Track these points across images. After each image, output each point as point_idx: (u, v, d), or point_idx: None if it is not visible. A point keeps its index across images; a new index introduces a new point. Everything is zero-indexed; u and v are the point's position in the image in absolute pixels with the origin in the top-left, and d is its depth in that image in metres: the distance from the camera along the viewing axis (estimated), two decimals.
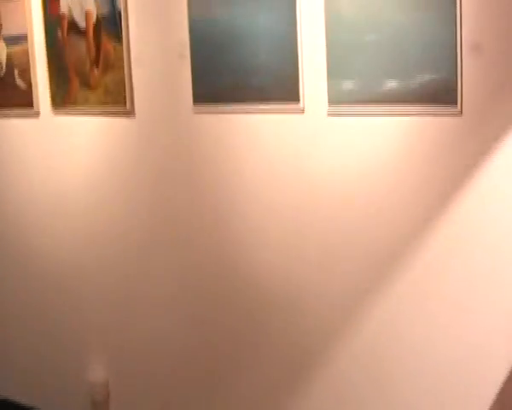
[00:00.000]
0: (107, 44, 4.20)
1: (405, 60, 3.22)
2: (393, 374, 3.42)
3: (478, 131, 3.15)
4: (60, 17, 4.44)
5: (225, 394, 4.05)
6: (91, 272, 4.63)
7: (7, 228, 5.11)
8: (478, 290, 3.18)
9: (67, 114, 4.53)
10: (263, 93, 3.63)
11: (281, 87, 3.57)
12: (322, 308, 3.65)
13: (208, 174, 3.94)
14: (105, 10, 4.18)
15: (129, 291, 4.46)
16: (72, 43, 4.39)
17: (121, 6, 4.11)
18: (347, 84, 3.37)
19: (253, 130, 3.73)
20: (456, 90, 3.14)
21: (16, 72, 4.75)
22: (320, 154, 3.53)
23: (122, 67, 4.14)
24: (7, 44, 4.79)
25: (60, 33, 4.45)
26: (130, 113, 4.18)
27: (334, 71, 3.39)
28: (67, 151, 4.59)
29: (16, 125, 4.85)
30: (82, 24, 4.31)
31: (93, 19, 4.25)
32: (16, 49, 4.74)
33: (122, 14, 4.11)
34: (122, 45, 4.12)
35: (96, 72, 4.27)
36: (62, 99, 4.51)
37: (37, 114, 4.71)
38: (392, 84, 3.27)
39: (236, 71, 3.70)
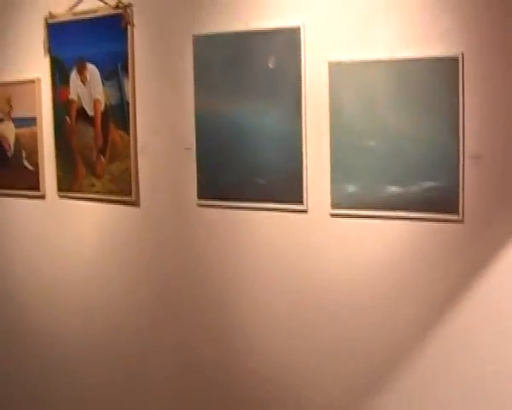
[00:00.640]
0: (115, 133, 4.25)
1: (407, 167, 3.27)
2: None
3: (479, 238, 3.20)
4: (69, 103, 4.49)
5: None
6: (90, 357, 4.62)
7: (8, 305, 5.11)
8: (476, 395, 3.19)
9: (73, 198, 4.55)
10: (267, 192, 3.68)
11: (285, 187, 3.62)
12: (321, 403, 3.64)
13: (210, 268, 3.97)
14: (113, 100, 4.24)
15: (126, 375, 4.44)
16: (79, 129, 4.45)
17: (129, 97, 4.16)
18: (350, 188, 3.42)
19: (256, 227, 3.77)
20: (457, 198, 3.19)
21: (24, 153, 4.80)
22: (322, 254, 3.57)
23: (128, 157, 4.19)
24: (16, 126, 4.84)
25: (68, 119, 4.50)
26: (134, 202, 4.22)
27: (338, 174, 3.45)
28: (71, 235, 4.62)
29: (22, 206, 4.88)
30: (90, 112, 4.36)
31: (101, 108, 4.31)
32: (25, 131, 4.80)
33: (130, 104, 4.15)
34: (129, 135, 4.18)
35: (102, 160, 4.32)
36: (68, 184, 4.55)
37: (43, 197, 4.73)
38: (393, 190, 3.31)
39: (241, 168, 3.75)
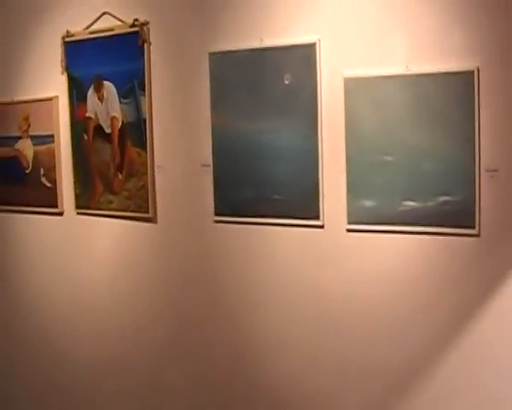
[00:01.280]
0: (132, 151, 4.28)
1: (423, 181, 3.28)
2: None
3: (495, 252, 3.20)
4: (86, 120, 4.53)
5: None
6: (106, 370, 4.64)
7: (25, 321, 5.13)
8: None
9: (90, 215, 4.58)
10: (283, 208, 3.69)
11: (301, 203, 3.63)
12: None
13: (227, 283, 3.98)
14: (130, 117, 4.27)
15: (143, 389, 4.45)
16: (97, 146, 4.48)
17: (146, 114, 4.18)
18: (366, 203, 3.43)
19: (272, 242, 3.78)
20: (473, 212, 3.19)
21: (42, 171, 4.83)
22: (338, 269, 3.58)
23: (145, 174, 4.21)
24: (34, 143, 4.88)
25: (85, 136, 4.53)
26: (152, 219, 4.24)
27: (354, 189, 3.46)
28: (89, 251, 4.64)
29: (40, 223, 4.91)
30: (107, 129, 4.39)
31: (118, 125, 4.34)
32: (43, 148, 4.83)
33: (147, 121, 4.18)
34: (146, 152, 4.20)
35: (119, 177, 4.35)
36: (86, 200, 4.58)
37: (60, 214, 4.76)
38: (410, 205, 3.31)
39: (257, 184, 3.77)
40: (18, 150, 4.97)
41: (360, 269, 3.50)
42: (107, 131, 4.40)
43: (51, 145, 4.78)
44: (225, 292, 3.99)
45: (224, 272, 3.98)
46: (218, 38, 3.87)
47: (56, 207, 4.77)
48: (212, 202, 3.95)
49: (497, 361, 3.18)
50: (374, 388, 3.51)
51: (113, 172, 4.38)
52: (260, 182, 3.75)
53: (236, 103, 3.82)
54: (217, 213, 3.94)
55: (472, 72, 3.14)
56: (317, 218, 3.58)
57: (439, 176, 3.25)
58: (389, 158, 3.35)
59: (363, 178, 3.43)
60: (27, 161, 4.93)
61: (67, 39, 4.56)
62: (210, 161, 3.94)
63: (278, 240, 3.75)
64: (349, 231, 3.50)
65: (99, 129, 4.47)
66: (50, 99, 4.72)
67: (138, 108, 4.21)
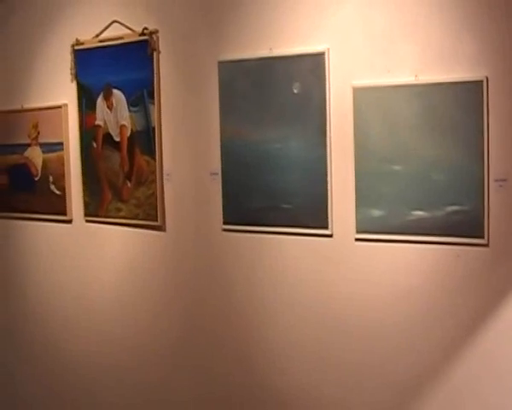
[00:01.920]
0: (141, 159, 4.29)
1: (432, 191, 3.28)
2: None
3: (505, 261, 3.20)
4: (95, 128, 4.54)
5: None
6: (116, 377, 4.64)
7: (33, 328, 5.14)
8: None
9: (99, 222, 4.59)
10: (292, 217, 3.70)
11: (310, 212, 3.64)
12: None
13: (235, 292, 3.99)
14: (139, 126, 4.29)
15: (148, 400, 4.47)
16: (106, 154, 4.49)
17: (155, 122, 4.19)
18: (375, 212, 3.43)
19: (281, 251, 3.79)
20: (482, 221, 3.19)
21: (51, 178, 4.85)
22: (347, 278, 3.58)
23: (154, 182, 4.22)
24: (43, 151, 4.89)
25: (95, 144, 4.54)
26: (160, 227, 4.25)
27: (363, 199, 3.46)
28: (98, 259, 4.65)
29: (49, 231, 4.92)
30: (116, 137, 4.40)
31: (127, 133, 4.35)
32: (52, 156, 4.85)
33: (156, 130, 4.18)
34: (155, 160, 4.21)
35: (128, 185, 4.36)
36: (95, 208, 4.60)
37: (69, 221, 4.77)
38: (418, 214, 3.31)
39: (266, 193, 3.77)
40: (27, 158, 4.98)
41: (368, 278, 3.50)
42: (117, 139, 4.41)
43: (60, 153, 4.79)
44: (234, 300, 4.00)
45: (232, 280, 3.98)
46: (227, 47, 3.88)
47: (65, 214, 4.78)
48: (221, 211, 3.96)
49: (508, 372, 3.15)
50: (383, 396, 3.51)
51: (122, 180, 4.39)
52: (269, 191, 3.75)
53: (245, 112, 3.83)
54: (225, 222, 3.94)
55: (481, 81, 3.14)
56: (326, 227, 3.58)
57: (447, 185, 3.24)
58: (398, 167, 3.35)
59: (371, 187, 3.43)
60: (36, 169, 4.94)
61: (77, 47, 4.58)
62: (219, 169, 3.95)
63: (287, 249, 3.75)
64: (357, 240, 3.51)
65: (108, 137, 4.48)
66: (60, 107, 4.73)
67: (147, 117, 4.22)
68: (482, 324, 3.22)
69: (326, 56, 3.54)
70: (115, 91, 4.37)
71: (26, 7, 4.90)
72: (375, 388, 3.52)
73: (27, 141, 4.96)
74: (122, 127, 4.37)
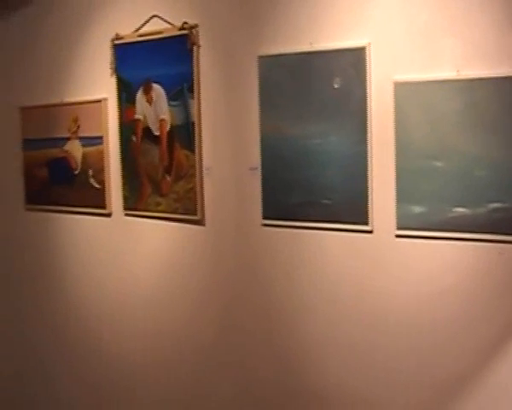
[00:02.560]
0: (180, 153, 4.30)
1: (474, 187, 3.25)
2: None
3: None
4: (135, 122, 4.56)
5: None
6: (153, 372, 4.66)
7: (74, 323, 5.18)
8: None
9: (138, 216, 4.61)
10: (332, 212, 3.68)
11: (350, 208, 3.62)
12: None
13: (275, 287, 3.99)
14: (179, 120, 4.29)
15: (187, 395, 4.49)
16: (145, 148, 4.51)
17: (195, 117, 4.20)
18: (416, 209, 3.40)
19: (320, 247, 3.77)
20: None
21: (91, 172, 4.88)
22: (387, 274, 3.56)
23: (194, 176, 4.23)
24: (83, 145, 4.92)
25: (134, 138, 4.56)
26: (200, 221, 4.26)
27: (403, 195, 3.43)
28: (137, 252, 4.68)
29: (88, 224, 4.96)
30: (156, 131, 4.41)
31: (167, 127, 4.36)
32: (91, 150, 4.88)
33: (196, 124, 4.19)
34: (194, 155, 4.21)
35: (168, 179, 4.37)
36: (134, 202, 4.62)
37: (109, 215, 4.80)
38: (460, 211, 3.28)
39: (306, 188, 3.76)
40: (67, 151, 5.02)
41: (409, 275, 3.47)
42: (156, 133, 4.42)
43: (100, 147, 4.81)
44: (273, 296, 3.99)
45: (271, 274, 3.98)
46: (267, 42, 3.87)
47: (104, 208, 4.81)
48: (261, 206, 3.95)
49: None
50: (416, 392, 3.49)
51: (162, 174, 4.40)
52: (309, 186, 3.74)
53: (285, 107, 3.82)
54: (265, 217, 3.94)
55: None
56: (366, 223, 3.56)
57: (489, 182, 3.21)
58: (439, 164, 3.32)
59: (412, 183, 3.40)
60: (76, 163, 4.98)
61: (117, 42, 4.60)
62: (258, 164, 3.94)
63: (326, 244, 3.74)
64: (398, 236, 3.48)
65: (147, 131, 4.49)
66: (99, 101, 4.76)
67: (187, 111, 4.23)
68: None
69: (367, 51, 3.52)
70: (155, 86, 4.39)
71: (67, 1, 4.92)
72: (413, 387, 3.51)
73: (67, 135, 5.00)
74: (162, 121, 4.38)
